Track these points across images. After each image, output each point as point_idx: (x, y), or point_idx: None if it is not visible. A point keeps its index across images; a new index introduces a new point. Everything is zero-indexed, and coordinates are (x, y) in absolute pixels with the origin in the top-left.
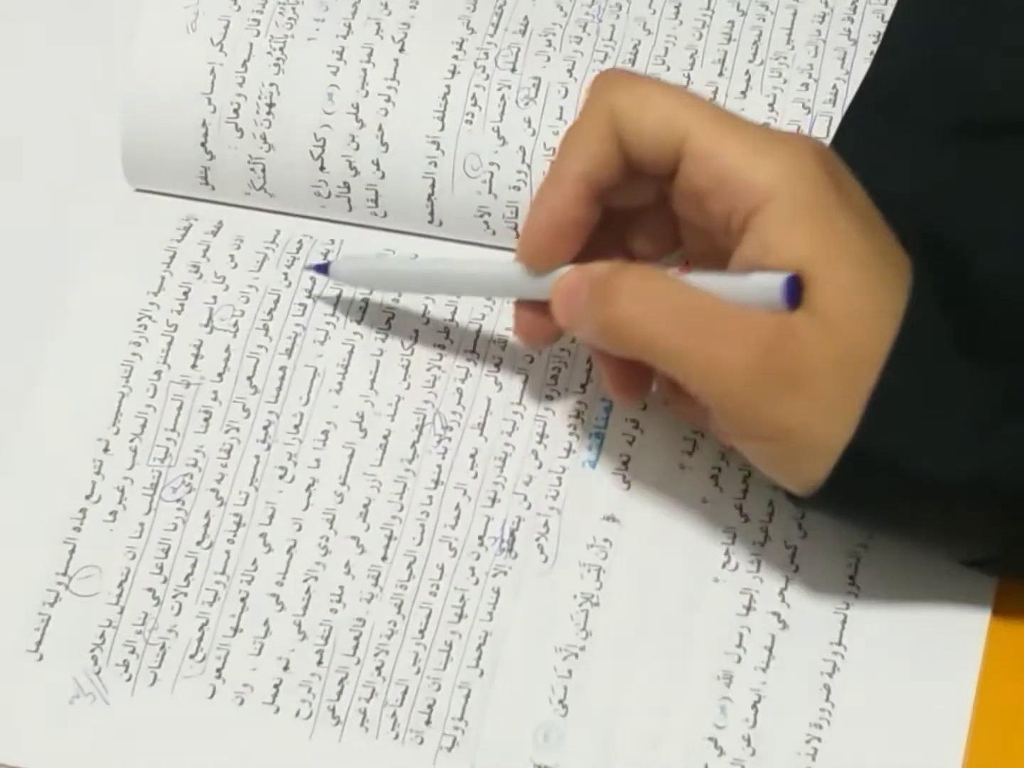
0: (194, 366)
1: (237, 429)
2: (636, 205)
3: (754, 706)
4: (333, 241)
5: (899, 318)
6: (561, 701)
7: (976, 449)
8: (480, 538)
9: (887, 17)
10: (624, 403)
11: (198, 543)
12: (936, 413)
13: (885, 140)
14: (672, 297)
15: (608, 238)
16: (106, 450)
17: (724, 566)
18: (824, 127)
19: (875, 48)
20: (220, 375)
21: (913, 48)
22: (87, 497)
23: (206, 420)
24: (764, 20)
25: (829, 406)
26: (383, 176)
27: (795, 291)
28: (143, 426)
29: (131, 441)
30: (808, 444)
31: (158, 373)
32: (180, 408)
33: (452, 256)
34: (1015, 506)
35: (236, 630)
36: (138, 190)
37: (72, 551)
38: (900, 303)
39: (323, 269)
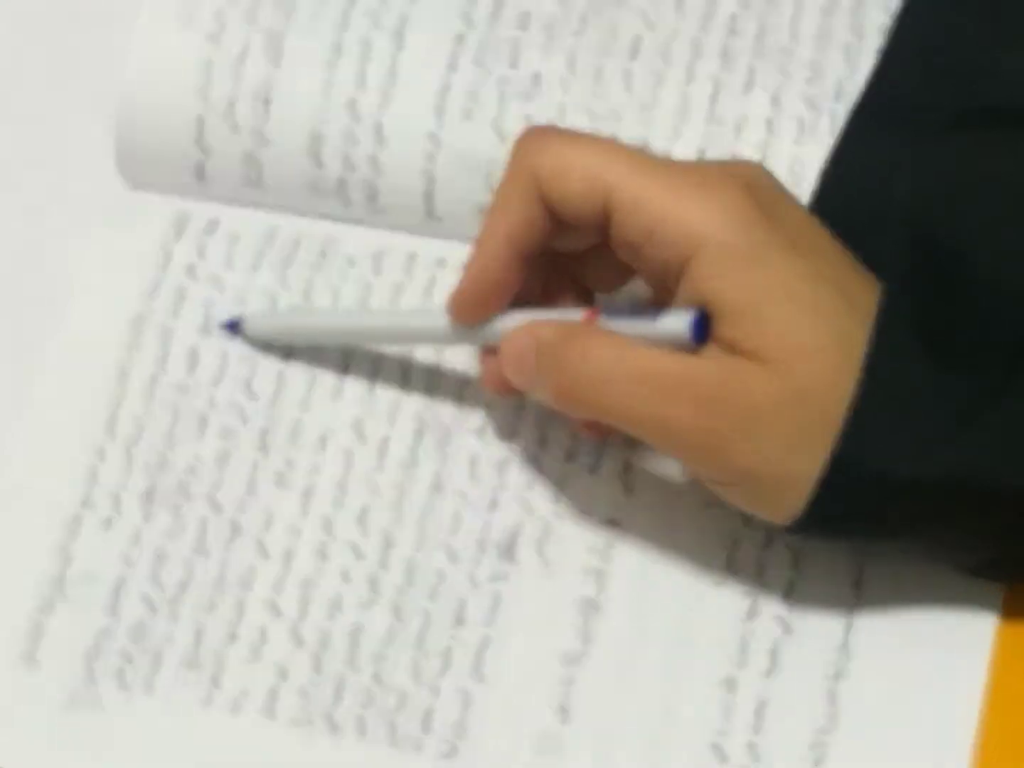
0: (190, 371)
1: (234, 435)
2: (581, 247)
3: (757, 712)
4: (330, 239)
5: (856, 344)
6: (561, 707)
7: (953, 446)
8: (480, 544)
9: (892, 10)
10: (593, 440)
11: (194, 550)
12: (908, 423)
13: (886, 140)
14: (620, 364)
15: (559, 274)
16: (102, 457)
17: (726, 570)
18: (828, 122)
19: (881, 43)
20: (216, 380)
21: (916, 45)
22: (82, 504)
23: (202, 426)
24: (768, 13)
25: (788, 443)
26: (380, 172)
27: (703, 328)
28: (139, 433)
29: (127, 448)
30: (776, 481)
31: (154, 379)
32: (176, 414)
33: (377, 307)
34: (1002, 501)
35: (232, 637)
36: (133, 187)
37: (67, 559)
38: (855, 327)
39: (235, 327)
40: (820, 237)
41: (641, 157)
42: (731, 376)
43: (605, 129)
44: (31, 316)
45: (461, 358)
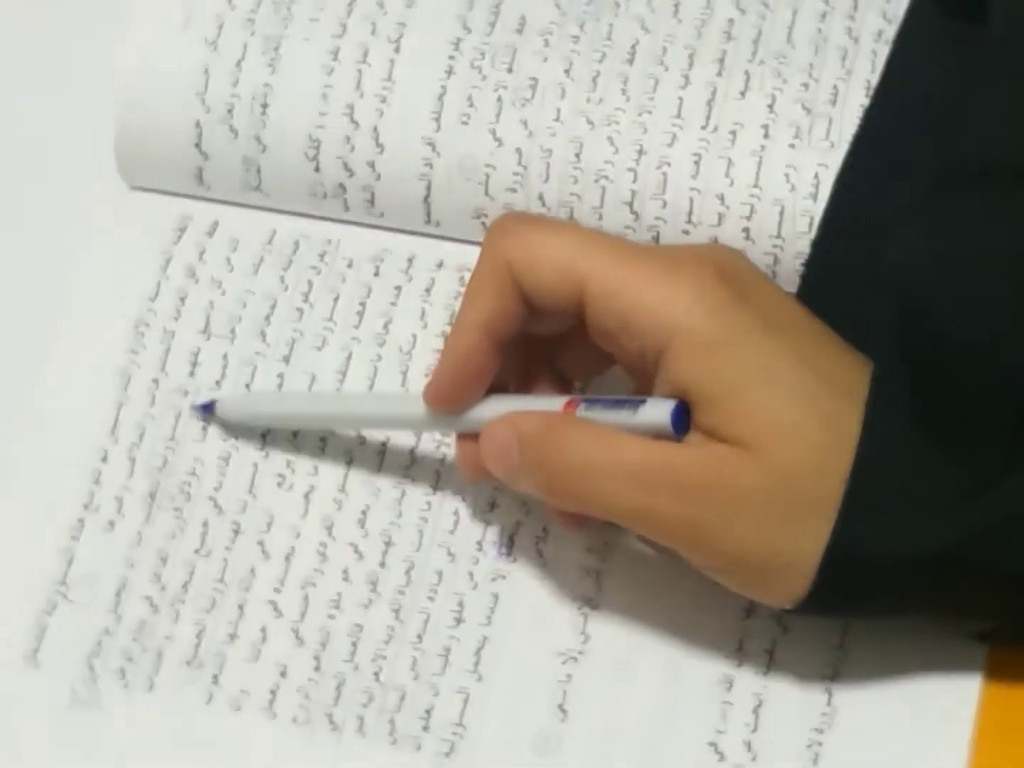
0: (191, 374)
1: (235, 437)
2: (558, 332)
3: (755, 710)
4: (330, 241)
5: (840, 421)
6: (560, 706)
7: (954, 524)
8: (479, 543)
9: (888, 15)
10: (572, 532)
11: (196, 551)
12: (906, 503)
13: (878, 196)
14: (602, 457)
15: (537, 359)
16: (104, 459)
17: None
18: (824, 127)
19: (876, 47)
20: (218, 383)
21: (905, 97)
22: (85, 507)
23: (204, 429)
24: (764, 18)
25: (775, 527)
26: (379, 177)
27: (683, 418)
28: (141, 435)
29: (129, 450)
30: (766, 566)
31: (156, 382)
32: (178, 417)
33: (355, 391)
34: (1004, 577)
35: (233, 637)
36: (133, 189)
37: (70, 560)
38: (837, 404)
39: (209, 408)
40: (796, 315)
41: (613, 245)
42: (713, 464)
43: (602, 133)
44: (33, 318)
45: None
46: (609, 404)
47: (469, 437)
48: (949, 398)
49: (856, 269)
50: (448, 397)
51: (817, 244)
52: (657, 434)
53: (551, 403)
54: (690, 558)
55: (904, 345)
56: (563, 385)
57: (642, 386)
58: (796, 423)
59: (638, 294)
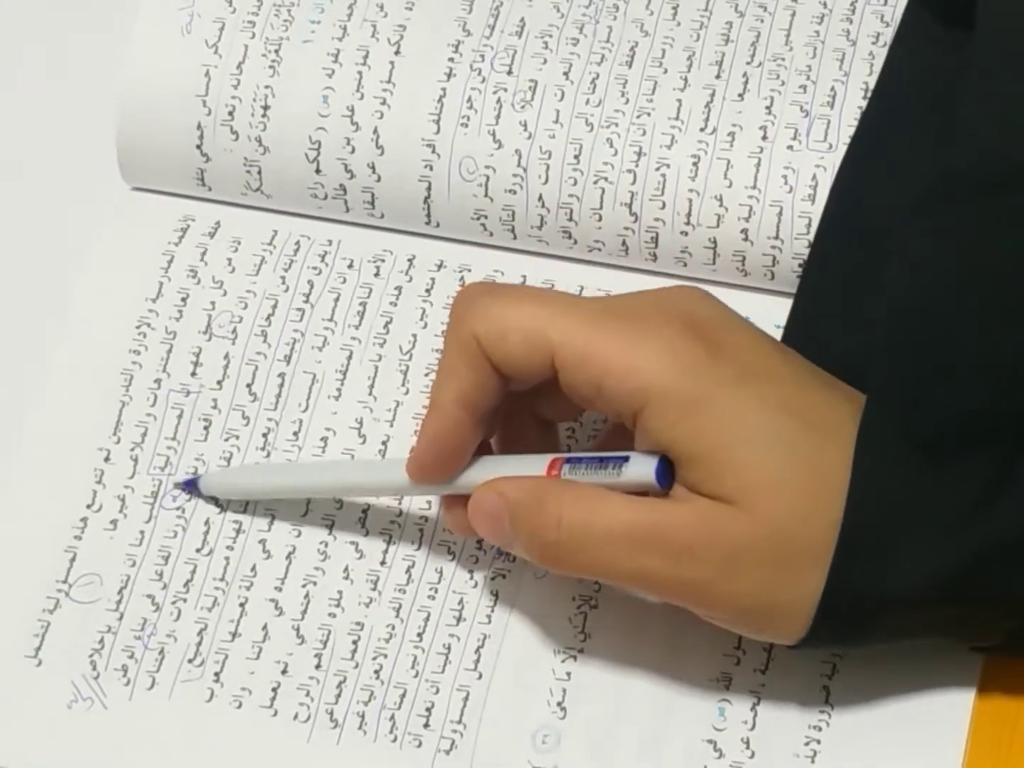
0: (194, 374)
1: (237, 437)
2: (536, 385)
3: (753, 708)
4: (331, 242)
5: (826, 463)
6: (559, 703)
7: (951, 555)
8: (479, 542)
9: (886, 18)
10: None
11: (198, 550)
12: (902, 538)
13: (876, 197)
14: (594, 524)
15: (519, 406)
16: (107, 459)
17: None
18: (822, 129)
19: (873, 49)
20: (219, 383)
21: (902, 99)
22: (88, 506)
23: (206, 428)
24: (762, 21)
25: (772, 578)
26: (379, 179)
27: (667, 472)
28: (143, 435)
29: (131, 450)
30: (767, 614)
31: (158, 382)
32: (180, 416)
33: (338, 460)
34: (1006, 601)
35: (235, 635)
36: (135, 189)
37: (73, 559)
38: (821, 445)
39: (192, 485)
40: (773, 358)
41: (579, 309)
42: (703, 522)
43: (602, 135)
44: (35, 318)
45: None
46: (593, 463)
47: (455, 498)
48: (945, 407)
49: (854, 270)
50: (432, 472)
51: (815, 245)
52: (643, 490)
53: (535, 463)
54: (691, 610)
55: (900, 354)
56: (545, 428)
57: (624, 432)
58: (780, 477)
59: (609, 360)
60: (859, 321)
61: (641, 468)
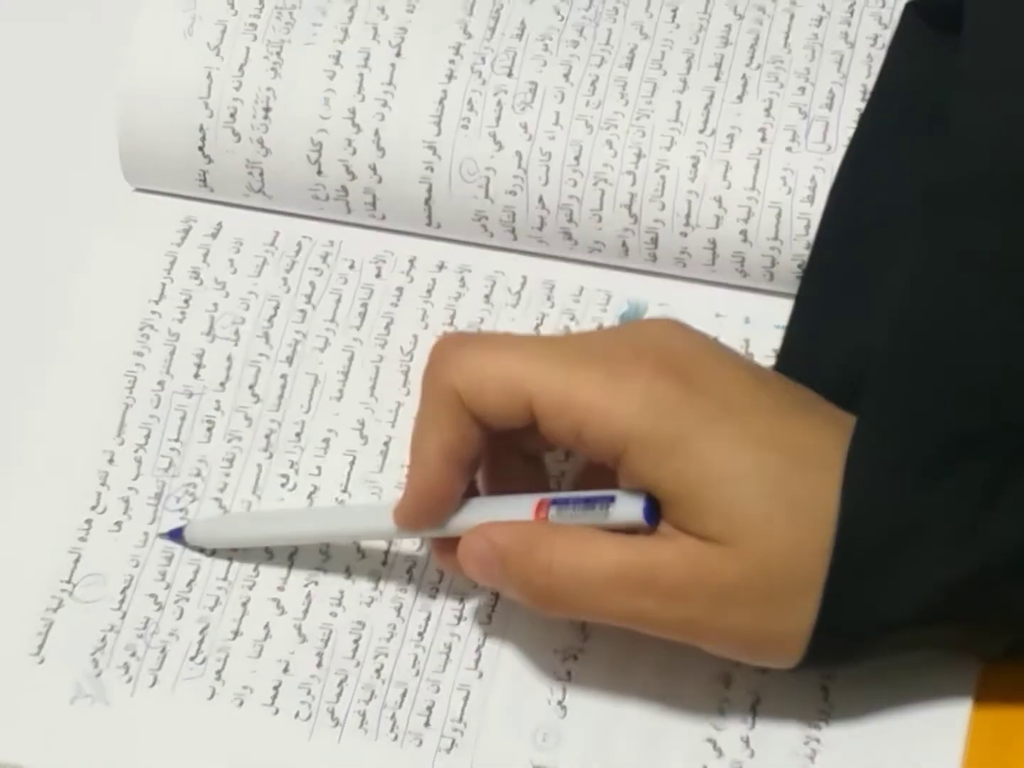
0: (196, 376)
1: (239, 438)
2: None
3: (753, 707)
4: (332, 243)
5: (812, 492)
6: (560, 702)
7: (943, 576)
8: None
9: (884, 20)
10: None
11: (201, 550)
12: (895, 564)
13: (875, 199)
14: (585, 568)
15: (499, 441)
16: (111, 461)
17: None
18: (820, 131)
19: (871, 51)
20: (222, 384)
21: (900, 100)
22: (92, 508)
23: (209, 430)
24: (761, 24)
25: (764, 613)
26: (380, 180)
27: (654, 510)
28: (147, 437)
29: (135, 452)
30: (763, 644)
31: (161, 383)
32: (183, 418)
33: (325, 507)
34: (1001, 617)
35: (236, 633)
36: (138, 190)
37: (77, 560)
38: (806, 474)
39: (178, 534)
40: (753, 390)
41: (554, 355)
42: (691, 563)
43: (601, 137)
44: (38, 320)
45: None
46: (580, 504)
47: (445, 540)
48: (943, 423)
49: (853, 271)
50: (420, 521)
51: (815, 247)
52: (631, 528)
53: (522, 505)
54: (690, 643)
55: (898, 370)
56: (531, 458)
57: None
58: (765, 513)
59: (587, 408)
60: (859, 322)
61: (628, 508)
